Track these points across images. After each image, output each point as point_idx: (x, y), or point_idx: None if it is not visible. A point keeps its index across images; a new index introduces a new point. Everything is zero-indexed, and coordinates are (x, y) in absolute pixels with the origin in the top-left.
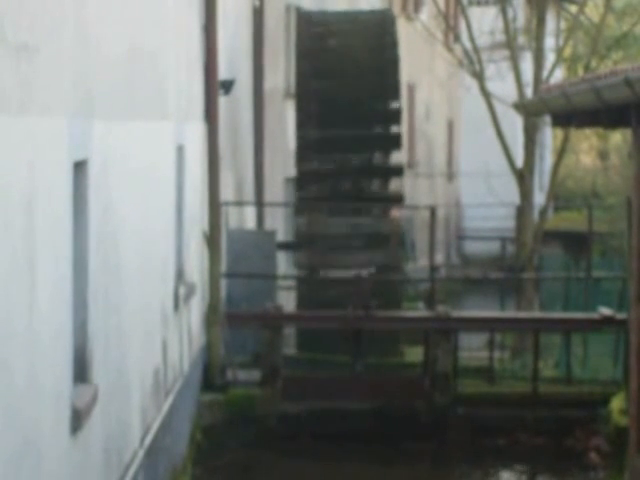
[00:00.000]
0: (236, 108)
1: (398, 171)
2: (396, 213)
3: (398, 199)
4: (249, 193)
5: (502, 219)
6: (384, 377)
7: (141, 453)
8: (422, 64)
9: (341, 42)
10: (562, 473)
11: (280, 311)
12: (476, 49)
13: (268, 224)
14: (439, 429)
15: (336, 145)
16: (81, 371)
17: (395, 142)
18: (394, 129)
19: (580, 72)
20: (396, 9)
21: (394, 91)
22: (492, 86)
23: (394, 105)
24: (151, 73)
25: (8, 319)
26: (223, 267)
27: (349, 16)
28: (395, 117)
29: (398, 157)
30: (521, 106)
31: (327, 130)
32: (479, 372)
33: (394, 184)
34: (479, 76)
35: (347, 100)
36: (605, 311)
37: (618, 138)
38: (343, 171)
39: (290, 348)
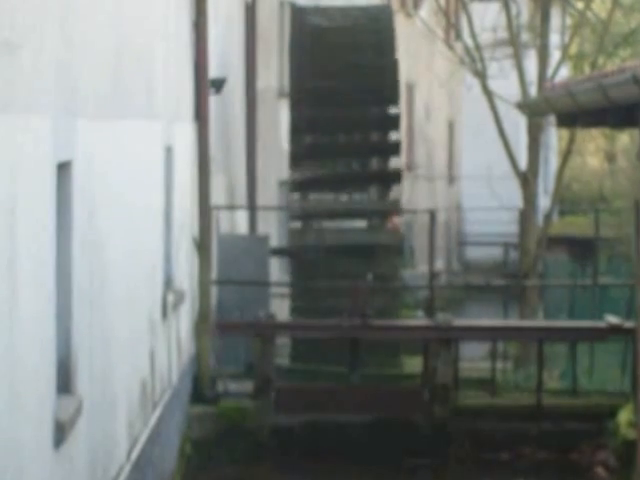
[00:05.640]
0: (227, 108)
1: (396, 178)
2: (395, 222)
3: (395, 209)
4: (241, 196)
5: (505, 224)
6: (382, 389)
7: (128, 467)
8: (422, 62)
9: (337, 40)
10: None
11: (273, 320)
12: (478, 47)
13: (261, 229)
14: (439, 443)
15: (332, 150)
16: (65, 382)
17: (393, 148)
18: (392, 134)
19: (586, 70)
20: (394, 5)
21: (393, 93)
22: (494, 85)
23: (393, 109)
24: (139, 71)
25: None
26: (214, 274)
27: (345, 12)
28: (394, 122)
29: (397, 161)
30: (525, 106)
31: (322, 133)
32: (481, 383)
33: (392, 193)
34: (481, 75)
35: (343, 101)
36: (612, 319)
37: (626, 139)
38: (339, 177)
39: (283, 358)
